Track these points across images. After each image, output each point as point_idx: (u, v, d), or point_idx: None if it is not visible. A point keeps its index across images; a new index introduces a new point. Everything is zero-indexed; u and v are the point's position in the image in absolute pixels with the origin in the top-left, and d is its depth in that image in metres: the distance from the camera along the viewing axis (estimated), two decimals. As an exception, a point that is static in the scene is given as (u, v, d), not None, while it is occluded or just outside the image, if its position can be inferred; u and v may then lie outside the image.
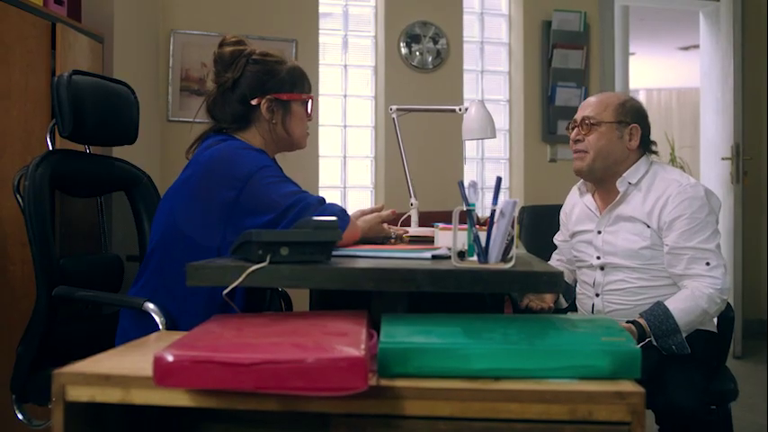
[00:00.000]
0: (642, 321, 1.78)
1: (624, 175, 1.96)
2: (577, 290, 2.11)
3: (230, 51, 1.73)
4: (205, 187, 1.58)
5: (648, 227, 1.90)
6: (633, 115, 1.97)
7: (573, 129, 2.01)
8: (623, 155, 1.96)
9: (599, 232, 2.00)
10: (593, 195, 2.08)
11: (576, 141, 1.99)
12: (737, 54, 4.21)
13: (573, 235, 2.10)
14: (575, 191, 2.18)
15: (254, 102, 1.71)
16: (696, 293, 1.80)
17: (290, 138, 1.76)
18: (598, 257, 1.99)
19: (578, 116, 2.01)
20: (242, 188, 1.54)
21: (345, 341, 0.93)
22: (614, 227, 1.96)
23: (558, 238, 2.26)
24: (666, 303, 1.80)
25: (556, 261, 2.26)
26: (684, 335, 1.78)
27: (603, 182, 2.02)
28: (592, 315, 1.99)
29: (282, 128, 1.74)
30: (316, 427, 0.99)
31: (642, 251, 1.90)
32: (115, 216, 2.50)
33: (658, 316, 1.78)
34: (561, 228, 2.24)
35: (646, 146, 2.00)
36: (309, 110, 1.80)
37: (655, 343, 1.77)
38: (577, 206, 2.13)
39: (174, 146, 3.29)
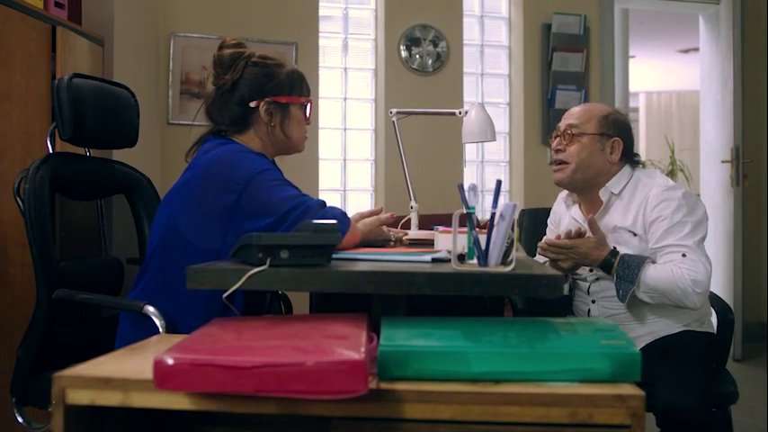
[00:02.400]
0: (619, 257, 1.82)
1: (607, 185, 1.95)
2: (573, 296, 2.09)
3: (230, 54, 1.73)
4: (205, 191, 1.58)
5: (635, 235, 1.89)
6: (616, 128, 1.96)
7: (555, 138, 2.01)
8: (605, 167, 1.95)
9: None
10: (579, 207, 2.07)
11: (557, 152, 1.98)
12: (737, 57, 4.21)
13: None
14: (560, 202, 2.16)
15: (252, 104, 1.71)
16: (676, 272, 1.76)
17: (289, 141, 1.76)
18: (591, 270, 1.97)
19: (561, 125, 2.00)
20: (242, 192, 1.54)
21: (345, 344, 0.93)
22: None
23: None
24: (647, 264, 1.80)
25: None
26: (646, 296, 1.80)
27: (586, 192, 2.01)
28: (592, 318, 1.99)
29: (281, 131, 1.74)
30: (316, 431, 0.99)
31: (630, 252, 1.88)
32: (115, 219, 2.50)
33: (631, 263, 1.80)
34: (549, 235, 2.18)
35: (629, 158, 1.99)
36: (308, 113, 1.80)
37: (612, 279, 1.82)
38: (564, 218, 2.11)
39: (174, 149, 3.29)
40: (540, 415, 0.91)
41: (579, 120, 1.96)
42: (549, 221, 2.23)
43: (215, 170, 1.58)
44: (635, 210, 1.90)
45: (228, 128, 1.73)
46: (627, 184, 1.95)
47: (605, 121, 1.95)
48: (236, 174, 1.56)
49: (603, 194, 1.95)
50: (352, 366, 0.86)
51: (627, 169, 1.97)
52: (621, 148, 1.95)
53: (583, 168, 1.94)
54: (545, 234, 2.24)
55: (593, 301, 1.99)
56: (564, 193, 2.15)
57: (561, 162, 1.97)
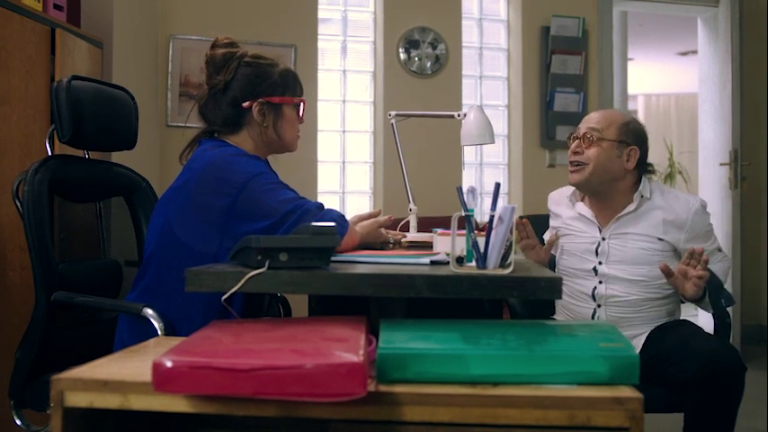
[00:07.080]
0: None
1: (639, 188, 2.02)
2: (569, 301, 2.10)
3: (222, 53, 1.72)
4: (200, 194, 1.57)
5: (660, 240, 1.97)
6: (634, 137, 2.02)
7: (574, 140, 2.05)
8: (620, 173, 2.01)
9: (603, 239, 2.03)
10: (582, 200, 2.12)
11: (576, 153, 2.02)
12: (736, 59, 4.22)
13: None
14: (558, 203, 2.20)
15: (245, 105, 1.71)
16: (723, 267, 2.04)
17: (282, 141, 1.76)
18: (600, 263, 2.01)
19: (581, 128, 2.04)
20: (237, 195, 1.54)
21: (344, 347, 0.93)
22: (623, 236, 2.00)
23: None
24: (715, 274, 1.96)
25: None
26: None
27: (600, 194, 2.05)
28: (591, 321, 1.99)
29: (274, 131, 1.74)
30: (314, 433, 0.99)
31: (652, 257, 1.96)
32: (114, 221, 2.50)
33: (711, 279, 1.88)
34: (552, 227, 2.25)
35: (642, 167, 2.05)
36: (301, 113, 1.80)
37: (707, 299, 1.87)
38: (568, 213, 2.15)
39: (174, 151, 3.26)
40: (539, 417, 0.91)
41: (600, 125, 2.02)
42: (550, 209, 2.26)
43: (210, 173, 1.58)
44: (670, 221, 1.98)
45: (221, 128, 1.73)
46: (652, 191, 2.03)
47: (625, 128, 2.02)
48: (232, 177, 1.56)
49: (636, 197, 2.01)
50: (351, 369, 0.86)
51: (645, 178, 2.05)
52: (637, 156, 2.01)
53: (599, 172, 2.00)
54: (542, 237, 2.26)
55: (600, 306, 2.01)
56: (557, 194, 2.22)
57: (579, 164, 2.02)
